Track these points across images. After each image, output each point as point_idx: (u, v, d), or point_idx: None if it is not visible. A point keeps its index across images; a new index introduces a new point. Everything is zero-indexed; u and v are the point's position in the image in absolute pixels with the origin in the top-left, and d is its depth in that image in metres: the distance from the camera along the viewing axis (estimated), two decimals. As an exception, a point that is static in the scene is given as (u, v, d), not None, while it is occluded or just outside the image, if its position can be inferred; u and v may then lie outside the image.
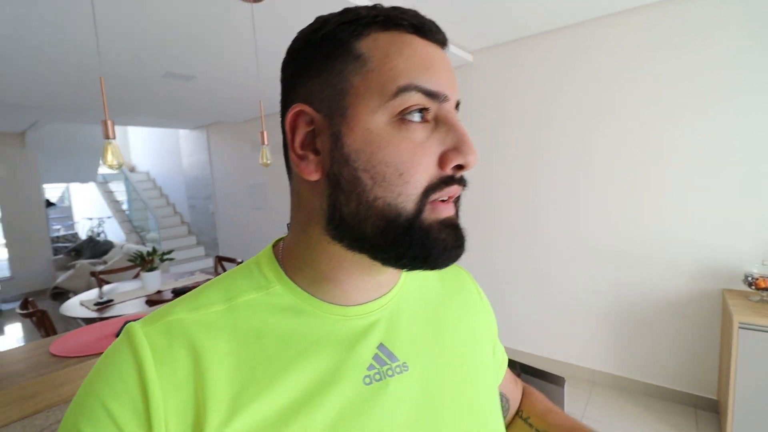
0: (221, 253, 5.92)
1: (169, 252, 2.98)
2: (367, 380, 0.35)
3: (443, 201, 0.33)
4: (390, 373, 0.36)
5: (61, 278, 4.24)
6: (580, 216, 2.27)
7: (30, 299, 2.14)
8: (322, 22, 0.34)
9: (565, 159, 2.28)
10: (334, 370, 0.34)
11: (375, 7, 0.34)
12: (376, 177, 0.31)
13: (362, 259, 0.34)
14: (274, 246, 0.40)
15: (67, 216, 9.20)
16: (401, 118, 0.31)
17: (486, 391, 0.43)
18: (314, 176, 0.33)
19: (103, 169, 6.53)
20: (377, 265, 0.34)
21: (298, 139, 0.34)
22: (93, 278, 3.03)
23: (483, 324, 0.48)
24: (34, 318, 1.95)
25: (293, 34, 0.37)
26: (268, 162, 1.78)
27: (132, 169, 7.56)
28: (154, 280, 2.78)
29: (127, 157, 7.79)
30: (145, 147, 7.46)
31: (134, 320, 0.35)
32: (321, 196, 0.34)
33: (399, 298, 0.41)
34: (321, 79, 0.33)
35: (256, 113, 4.18)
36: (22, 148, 4.99)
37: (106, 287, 2.90)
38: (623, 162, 2.06)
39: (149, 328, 0.33)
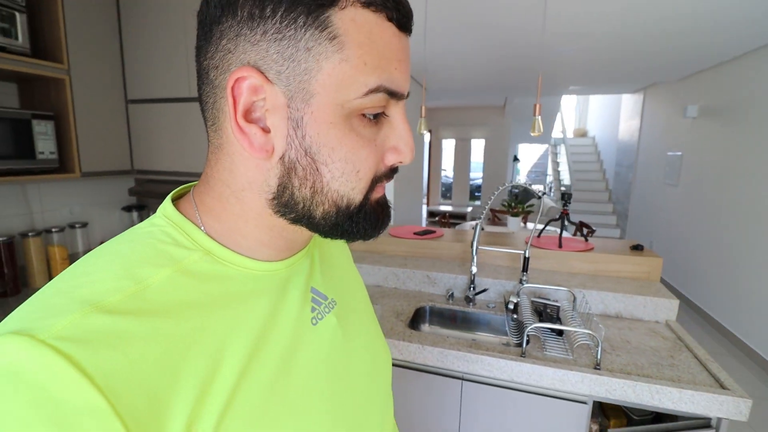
0: (629, 228, 5.56)
1: (530, 206, 3.54)
2: (314, 321, 0.39)
3: (382, 184, 0.36)
4: (327, 310, 0.41)
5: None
6: None
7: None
8: None
9: None
10: (281, 316, 0.36)
11: None
12: (335, 172, 0.31)
13: (300, 230, 0.36)
14: (176, 202, 0.37)
15: (541, 171, 11.61)
16: (359, 114, 0.31)
17: (375, 317, 0.53)
18: (261, 154, 0.31)
19: (555, 134, 7.67)
20: (310, 233, 0.38)
21: (241, 107, 0.30)
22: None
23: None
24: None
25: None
26: (540, 132, 1.86)
27: (583, 134, 8.24)
28: (514, 224, 3.52)
29: (584, 123, 8.49)
30: (598, 113, 7.84)
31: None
32: (268, 173, 0.32)
33: (312, 249, 0.45)
34: (281, 45, 0.28)
35: (696, 68, 3.56)
36: (502, 117, 6.93)
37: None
38: None
39: (47, 340, 0.23)
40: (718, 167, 3.41)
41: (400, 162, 0.35)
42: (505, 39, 2.87)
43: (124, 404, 0.23)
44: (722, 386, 1.12)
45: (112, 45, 1.82)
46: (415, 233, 2.13)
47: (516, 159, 8.17)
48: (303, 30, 0.28)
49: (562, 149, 7.96)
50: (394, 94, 0.32)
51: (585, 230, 3.54)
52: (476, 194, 8.70)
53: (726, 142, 3.33)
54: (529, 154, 12.85)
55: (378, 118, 0.33)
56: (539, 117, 1.87)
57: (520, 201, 3.84)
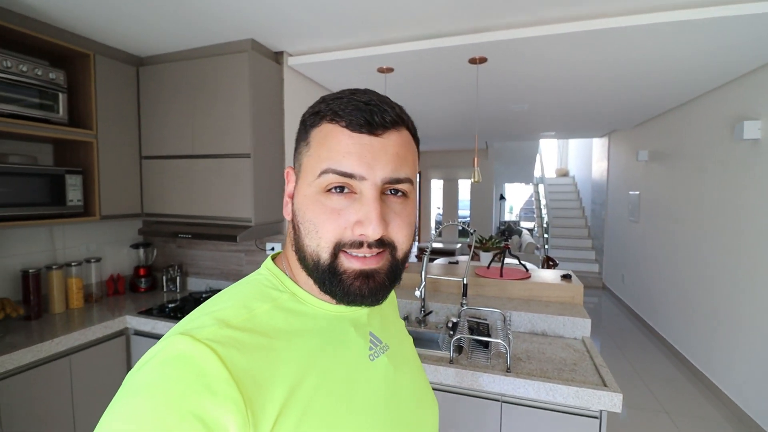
0: (605, 262, 5.85)
1: (500, 242, 3.87)
2: (371, 357, 0.50)
3: (358, 256, 0.43)
4: (381, 351, 0.52)
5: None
6: None
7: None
8: (309, 108, 0.47)
9: None
10: (346, 350, 0.47)
11: (335, 99, 0.45)
12: (304, 229, 0.44)
13: None
14: (275, 260, 0.52)
15: (531, 208, 11.99)
16: (326, 190, 0.43)
17: (422, 369, 0.62)
18: (288, 216, 0.48)
19: (537, 173, 8.12)
20: None
21: (288, 188, 0.49)
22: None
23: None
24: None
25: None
26: (479, 180, 2.24)
27: (565, 174, 8.70)
28: (486, 258, 3.83)
29: (565, 163, 8.97)
30: (576, 155, 8.34)
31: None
32: (292, 230, 0.48)
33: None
34: (297, 151, 0.48)
35: (644, 117, 4.05)
36: (486, 159, 7.41)
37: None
38: None
39: (200, 339, 0.38)
40: (667, 204, 3.77)
41: (361, 235, 0.42)
42: (456, 105, 3.34)
43: (240, 380, 0.37)
44: (604, 384, 1.41)
45: (132, 112, 2.25)
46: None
47: (502, 198, 8.58)
48: (301, 141, 0.48)
49: (542, 189, 8.39)
50: (346, 175, 0.42)
51: (550, 262, 3.86)
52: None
53: (670, 182, 3.72)
54: (521, 194, 13.33)
55: (348, 194, 0.43)
56: (478, 168, 2.25)
57: (505, 238, 4.12)
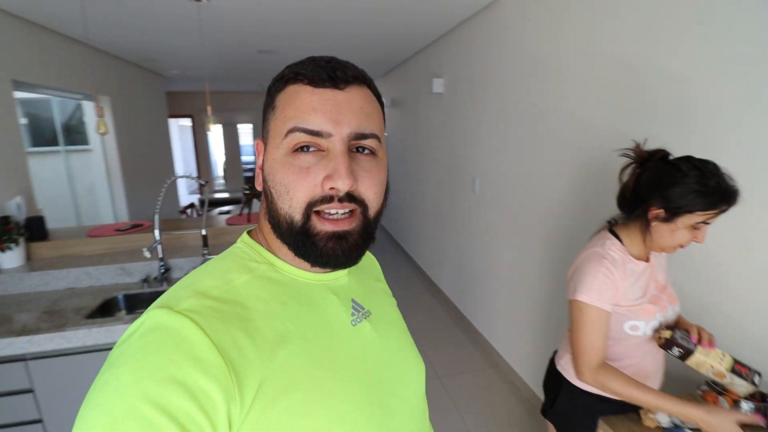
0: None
1: (251, 189, 4.02)
2: (353, 323, 0.50)
3: (331, 218, 0.43)
4: (363, 317, 0.52)
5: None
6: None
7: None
8: (273, 77, 0.46)
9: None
10: (328, 316, 0.47)
11: (298, 64, 0.45)
12: (275, 193, 0.44)
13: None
14: (250, 234, 0.52)
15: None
16: (294, 150, 0.43)
17: (407, 331, 0.62)
18: (259, 186, 0.48)
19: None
20: None
21: (258, 160, 0.48)
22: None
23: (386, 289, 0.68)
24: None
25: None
26: (106, 132, 2.22)
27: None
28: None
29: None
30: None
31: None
32: (264, 199, 0.48)
33: (354, 272, 0.56)
34: (264, 119, 0.47)
35: (388, 68, 4.93)
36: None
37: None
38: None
39: (179, 311, 0.38)
40: (402, 144, 4.67)
41: (332, 189, 0.42)
42: (189, 47, 3.07)
43: (222, 347, 0.37)
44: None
45: None
46: (117, 230, 2.21)
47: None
48: (267, 107, 0.46)
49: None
50: (314, 133, 0.42)
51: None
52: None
53: (402, 124, 4.58)
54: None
55: (315, 152, 0.42)
56: (102, 118, 2.14)
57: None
